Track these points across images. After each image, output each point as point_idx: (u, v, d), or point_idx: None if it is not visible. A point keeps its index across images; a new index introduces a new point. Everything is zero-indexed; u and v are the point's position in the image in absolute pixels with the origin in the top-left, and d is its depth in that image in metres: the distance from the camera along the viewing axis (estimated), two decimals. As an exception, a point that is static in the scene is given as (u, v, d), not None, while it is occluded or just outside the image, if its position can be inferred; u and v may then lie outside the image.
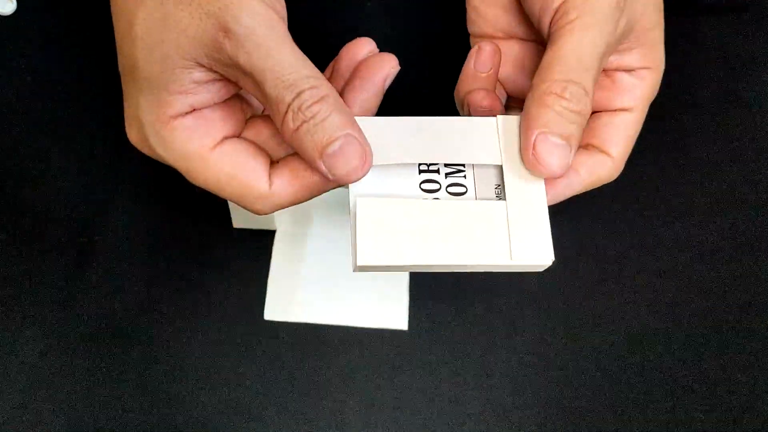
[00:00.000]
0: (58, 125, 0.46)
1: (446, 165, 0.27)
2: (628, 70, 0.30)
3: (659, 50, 0.30)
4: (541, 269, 0.27)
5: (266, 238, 0.46)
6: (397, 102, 0.49)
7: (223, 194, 0.27)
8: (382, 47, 0.51)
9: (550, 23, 0.27)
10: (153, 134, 0.26)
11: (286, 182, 0.27)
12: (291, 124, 0.25)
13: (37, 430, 0.42)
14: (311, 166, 0.25)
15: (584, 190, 0.31)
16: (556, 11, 0.27)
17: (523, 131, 0.27)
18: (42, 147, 0.46)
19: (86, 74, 0.48)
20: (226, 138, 0.27)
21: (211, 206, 0.45)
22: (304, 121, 0.24)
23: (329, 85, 0.25)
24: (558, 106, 0.26)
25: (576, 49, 0.26)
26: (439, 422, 0.43)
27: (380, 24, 0.50)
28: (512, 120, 0.27)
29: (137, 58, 0.25)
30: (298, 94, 0.24)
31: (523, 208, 0.27)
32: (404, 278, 0.45)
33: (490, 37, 0.32)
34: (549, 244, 0.27)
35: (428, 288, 0.46)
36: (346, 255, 0.46)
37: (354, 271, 0.26)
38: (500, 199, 0.27)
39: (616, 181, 0.48)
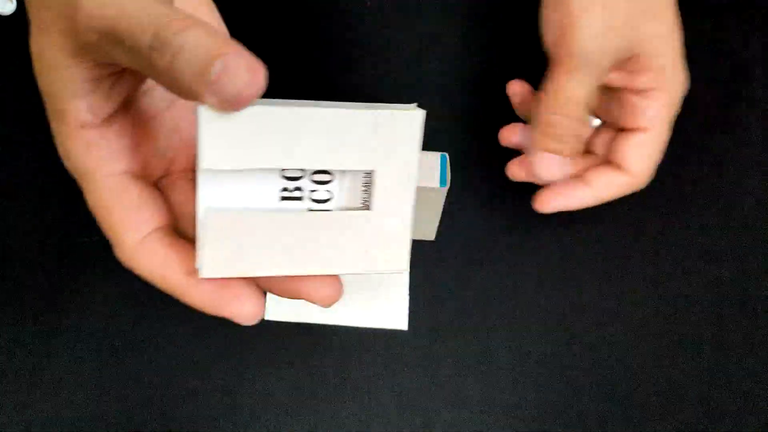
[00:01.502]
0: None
1: (311, 181, 0.25)
2: (638, 92, 0.32)
3: (670, 73, 0.32)
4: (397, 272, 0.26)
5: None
6: (396, 101, 0.49)
7: (97, 220, 0.25)
8: (382, 47, 0.51)
9: (551, 49, 0.32)
10: (62, 151, 0.26)
11: (153, 255, 0.25)
12: (160, 62, 0.21)
13: (38, 429, 0.42)
14: (196, 99, 0.21)
15: (600, 202, 0.35)
16: (553, 43, 0.32)
17: (530, 149, 0.33)
18: (42, 146, 0.46)
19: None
20: (127, 173, 0.25)
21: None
22: (174, 54, 0.21)
23: (191, 15, 0.22)
24: (551, 132, 0.32)
25: (563, 89, 0.31)
26: (439, 422, 0.43)
27: (380, 24, 0.51)
28: (387, 116, 0.24)
29: (36, 74, 0.24)
30: (157, 32, 0.21)
31: (386, 216, 0.25)
32: (404, 279, 0.45)
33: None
34: (406, 252, 0.26)
35: (428, 288, 0.46)
36: None
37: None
38: (366, 206, 0.26)
39: (616, 181, 0.49)
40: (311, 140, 0.24)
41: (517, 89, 0.39)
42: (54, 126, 0.25)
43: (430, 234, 0.45)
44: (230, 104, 0.21)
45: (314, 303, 0.26)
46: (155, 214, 0.25)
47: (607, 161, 0.35)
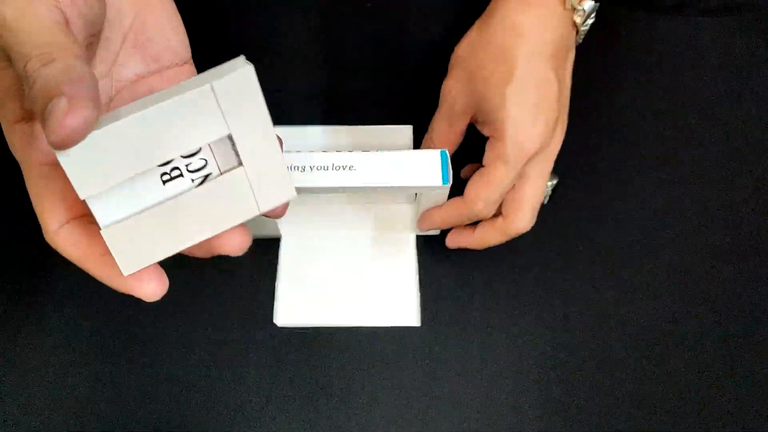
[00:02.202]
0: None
1: (182, 157, 0.27)
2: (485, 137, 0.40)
3: (505, 125, 0.38)
4: (287, 201, 0.30)
5: (272, 244, 0.46)
6: (395, 100, 0.49)
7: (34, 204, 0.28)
8: (382, 47, 0.51)
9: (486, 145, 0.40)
10: (5, 135, 0.28)
11: (72, 240, 0.28)
12: (25, 92, 0.22)
13: (38, 429, 0.42)
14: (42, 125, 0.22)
15: (484, 245, 0.43)
16: (488, 143, 0.40)
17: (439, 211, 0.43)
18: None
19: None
20: (55, 164, 0.27)
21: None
22: (29, 87, 0.22)
23: (72, 50, 0.23)
24: (469, 212, 0.40)
25: (490, 181, 0.39)
26: (440, 422, 0.43)
27: (380, 24, 0.51)
28: (227, 83, 0.26)
29: None
30: (27, 62, 0.22)
31: (259, 163, 0.28)
32: (412, 274, 0.46)
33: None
34: (288, 182, 0.29)
35: (428, 288, 0.46)
36: (353, 255, 0.46)
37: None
38: (240, 164, 0.28)
39: (616, 180, 0.49)
40: (165, 132, 0.25)
41: (468, 173, 0.46)
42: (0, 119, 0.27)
43: (435, 230, 0.46)
44: (60, 144, 0.22)
45: (230, 254, 0.30)
46: (77, 202, 0.27)
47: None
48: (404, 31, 0.51)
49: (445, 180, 0.39)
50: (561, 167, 0.49)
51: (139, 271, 0.28)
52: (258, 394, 0.43)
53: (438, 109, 0.43)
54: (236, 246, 0.30)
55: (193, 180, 0.28)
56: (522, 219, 0.41)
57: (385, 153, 0.39)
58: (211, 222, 0.28)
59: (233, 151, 0.28)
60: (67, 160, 0.24)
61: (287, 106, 0.47)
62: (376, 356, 0.44)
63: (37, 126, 0.27)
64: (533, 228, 0.46)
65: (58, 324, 0.44)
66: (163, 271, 0.29)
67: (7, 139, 0.27)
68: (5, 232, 0.45)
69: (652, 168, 0.49)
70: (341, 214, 0.47)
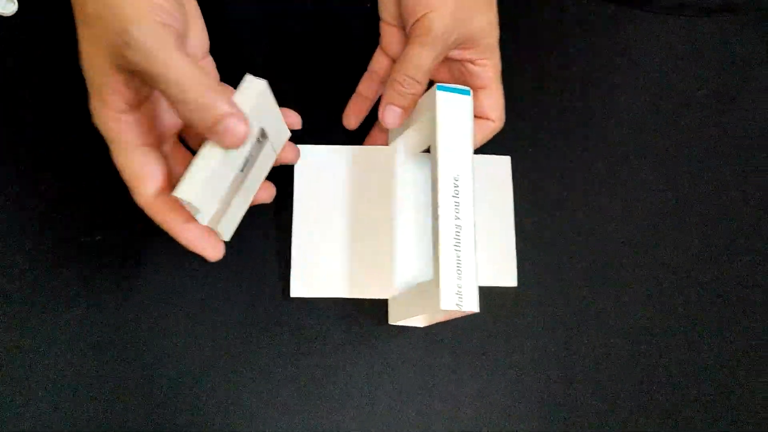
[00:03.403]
0: (59, 125, 0.47)
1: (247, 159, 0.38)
2: (472, 61, 0.43)
3: (494, 49, 0.43)
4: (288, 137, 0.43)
5: (275, 242, 0.46)
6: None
7: (122, 175, 0.36)
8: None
9: (409, 30, 0.42)
10: (101, 124, 0.35)
11: (161, 206, 0.36)
12: (191, 113, 0.33)
13: (38, 428, 0.42)
14: (206, 136, 0.34)
15: (482, 142, 0.45)
16: (411, 26, 0.42)
17: (381, 102, 0.43)
18: (43, 146, 0.46)
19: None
20: (146, 144, 0.36)
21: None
22: (194, 110, 0.33)
23: (210, 80, 0.33)
24: (399, 89, 0.42)
25: (415, 57, 0.41)
26: (438, 422, 0.43)
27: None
28: (254, 98, 0.36)
29: (84, 69, 0.34)
30: (196, 91, 0.33)
31: (274, 135, 0.40)
32: (510, 235, 0.46)
33: (388, 24, 0.45)
34: (285, 130, 0.42)
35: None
36: (362, 225, 0.46)
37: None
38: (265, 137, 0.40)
39: (616, 180, 0.49)
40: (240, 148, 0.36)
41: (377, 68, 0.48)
42: (95, 105, 0.35)
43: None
44: (225, 146, 0.34)
45: (265, 201, 0.43)
46: (162, 175, 0.36)
47: (475, 117, 0.44)
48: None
49: (466, 92, 0.41)
50: (561, 167, 0.49)
51: (212, 237, 0.38)
52: (258, 394, 0.43)
53: (423, 46, 0.42)
54: (267, 195, 0.43)
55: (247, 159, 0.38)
56: (502, 117, 0.44)
57: (440, 139, 0.39)
58: (260, 172, 0.41)
59: (265, 132, 0.39)
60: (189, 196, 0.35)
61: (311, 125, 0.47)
62: (376, 356, 0.44)
63: (136, 113, 0.36)
64: (533, 228, 0.46)
65: (58, 323, 0.44)
66: (223, 244, 0.39)
67: (103, 123, 0.35)
68: (7, 233, 0.45)
69: (651, 168, 0.49)
70: (358, 182, 0.47)
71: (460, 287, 0.37)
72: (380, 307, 0.45)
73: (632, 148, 0.50)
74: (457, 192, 0.38)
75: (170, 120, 0.39)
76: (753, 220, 0.48)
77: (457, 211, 0.38)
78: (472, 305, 0.36)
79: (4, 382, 0.43)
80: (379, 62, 0.47)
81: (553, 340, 0.45)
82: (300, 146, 0.45)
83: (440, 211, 0.38)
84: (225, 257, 0.45)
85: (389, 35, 0.46)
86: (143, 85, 0.35)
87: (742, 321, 0.46)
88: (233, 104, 0.34)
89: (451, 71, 0.45)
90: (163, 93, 0.33)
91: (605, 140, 0.50)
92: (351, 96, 0.48)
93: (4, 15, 0.48)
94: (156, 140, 0.37)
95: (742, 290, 0.47)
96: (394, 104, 0.43)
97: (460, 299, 0.36)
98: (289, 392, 0.44)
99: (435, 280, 0.37)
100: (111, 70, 0.33)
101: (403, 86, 0.42)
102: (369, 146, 0.47)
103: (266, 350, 0.44)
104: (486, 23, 0.42)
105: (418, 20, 0.41)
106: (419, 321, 0.43)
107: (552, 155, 0.49)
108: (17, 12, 0.48)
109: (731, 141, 0.50)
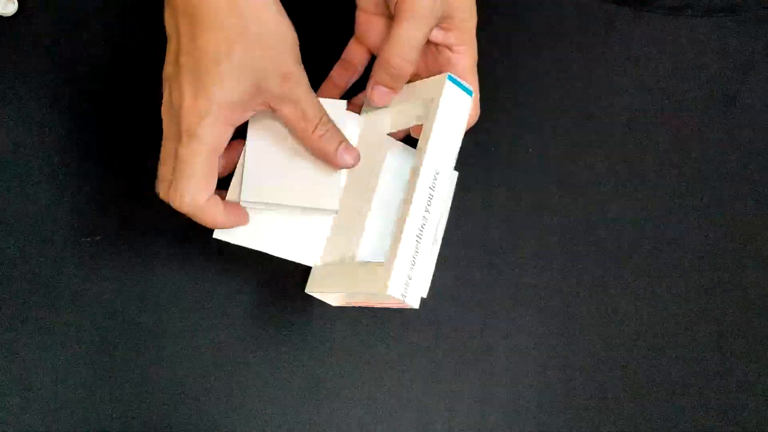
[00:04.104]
0: (59, 125, 0.47)
1: None
2: (450, 47, 0.42)
3: (472, 37, 0.43)
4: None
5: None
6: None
7: (187, 172, 0.37)
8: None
9: (394, 9, 0.41)
10: (208, 125, 0.36)
11: (222, 207, 0.39)
12: (320, 132, 0.39)
13: (39, 428, 0.42)
14: (327, 158, 0.40)
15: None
16: (396, 4, 0.40)
17: (369, 80, 0.43)
18: (43, 146, 0.46)
19: (87, 75, 0.48)
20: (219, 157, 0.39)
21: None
22: (327, 131, 0.39)
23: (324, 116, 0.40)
24: (391, 71, 0.41)
25: (405, 34, 0.40)
26: (438, 422, 0.43)
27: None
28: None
29: (227, 74, 0.36)
30: (322, 117, 0.39)
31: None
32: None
33: (365, 12, 0.45)
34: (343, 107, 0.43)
35: (428, 289, 0.46)
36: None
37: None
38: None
39: (615, 180, 0.49)
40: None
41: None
42: (214, 109, 0.36)
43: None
44: (342, 164, 0.40)
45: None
46: (214, 186, 0.39)
47: None
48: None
49: (469, 93, 0.41)
50: (561, 168, 0.49)
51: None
52: (258, 394, 0.43)
53: (410, 21, 0.41)
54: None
55: None
56: (475, 109, 0.43)
57: (433, 133, 0.39)
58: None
59: None
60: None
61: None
62: (376, 356, 0.44)
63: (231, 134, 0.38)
64: (533, 228, 0.46)
65: (58, 323, 0.44)
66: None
67: (212, 128, 0.36)
68: (7, 233, 0.45)
69: (651, 168, 0.49)
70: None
71: (410, 278, 0.36)
72: (380, 308, 0.45)
73: (632, 148, 0.50)
74: (434, 185, 0.38)
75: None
76: (753, 220, 0.48)
77: (428, 204, 0.37)
78: (413, 300, 0.36)
79: (4, 382, 0.43)
80: (353, 51, 0.47)
81: (553, 340, 0.45)
82: None
83: (414, 198, 0.37)
84: (226, 258, 0.45)
85: (366, 23, 0.45)
86: (256, 110, 0.38)
87: (742, 321, 0.46)
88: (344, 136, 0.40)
89: (426, 59, 0.45)
90: (301, 117, 0.38)
91: (605, 140, 0.50)
92: (322, 83, 0.47)
93: (4, 15, 0.48)
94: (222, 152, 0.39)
95: (742, 290, 0.47)
96: (385, 85, 0.42)
97: (406, 290, 0.36)
98: (289, 392, 0.44)
99: (387, 264, 0.36)
100: (256, 89, 0.37)
101: (394, 67, 0.41)
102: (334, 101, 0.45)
103: (266, 350, 0.44)
104: (466, 5, 0.42)
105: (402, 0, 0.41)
106: (336, 299, 0.42)
107: (552, 155, 0.49)
108: (17, 12, 0.48)
109: (731, 141, 0.50)
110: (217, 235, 0.41)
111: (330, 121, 0.40)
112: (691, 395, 0.45)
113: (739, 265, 0.47)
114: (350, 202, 0.43)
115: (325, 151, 0.40)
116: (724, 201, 0.49)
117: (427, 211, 0.37)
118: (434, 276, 0.46)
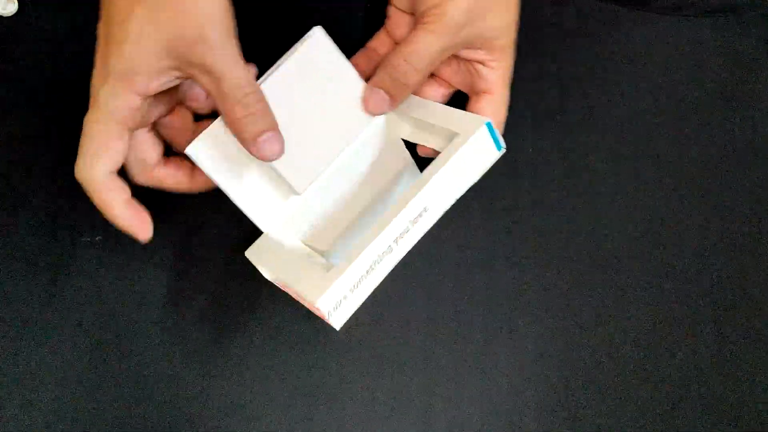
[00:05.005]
0: (59, 126, 0.47)
1: None
2: (482, 62, 0.40)
3: (506, 50, 0.41)
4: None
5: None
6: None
7: (86, 143, 0.35)
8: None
9: (418, 17, 0.39)
10: (106, 93, 0.34)
11: (167, 171, 0.39)
12: (238, 113, 0.34)
13: (39, 428, 0.42)
14: (244, 145, 0.35)
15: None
16: (422, 13, 0.38)
17: (369, 82, 0.40)
18: (43, 147, 0.46)
19: (87, 75, 0.48)
20: (130, 130, 0.36)
21: (204, 222, 0.45)
22: (249, 114, 0.34)
23: (261, 91, 0.35)
24: (393, 74, 0.39)
25: (420, 42, 0.38)
26: (438, 423, 0.43)
27: (380, 25, 0.51)
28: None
29: (127, 38, 0.33)
30: (246, 94, 0.34)
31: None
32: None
33: (397, 9, 0.42)
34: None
35: (427, 288, 0.46)
36: None
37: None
38: None
39: (615, 179, 0.49)
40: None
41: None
42: (115, 84, 0.34)
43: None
44: (260, 156, 0.36)
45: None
46: (122, 158, 0.36)
47: None
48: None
49: (499, 147, 0.37)
50: (560, 167, 0.49)
51: (141, 221, 0.37)
52: (258, 394, 0.43)
53: (431, 33, 0.39)
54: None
55: None
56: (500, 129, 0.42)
57: (442, 170, 0.35)
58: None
59: None
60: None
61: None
62: (376, 356, 0.44)
63: (146, 106, 0.36)
64: (533, 228, 0.46)
65: (58, 323, 0.44)
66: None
67: (109, 96, 0.34)
68: (7, 233, 0.45)
69: (651, 168, 0.49)
70: None
71: (345, 298, 0.34)
72: (380, 308, 0.45)
73: (632, 148, 0.50)
74: (416, 220, 0.35)
75: (153, 114, 0.38)
76: (753, 220, 0.48)
77: (401, 236, 0.35)
78: (337, 321, 0.34)
79: (4, 382, 0.43)
80: (379, 40, 0.44)
81: (553, 340, 0.45)
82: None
83: (390, 225, 0.34)
84: (226, 257, 0.45)
85: (397, 18, 0.42)
86: (174, 81, 0.35)
87: (742, 321, 0.46)
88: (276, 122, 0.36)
89: (459, 71, 0.42)
90: (217, 91, 0.34)
91: (605, 140, 0.50)
92: None
93: (4, 15, 0.48)
94: (137, 128, 0.37)
95: (742, 290, 0.47)
96: (384, 88, 0.39)
97: (335, 309, 0.34)
98: (289, 392, 0.44)
99: (330, 276, 0.34)
100: (162, 54, 0.33)
101: (397, 70, 0.38)
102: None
103: (267, 350, 0.44)
104: (502, 24, 0.40)
105: (430, 8, 0.38)
106: (269, 274, 0.39)
107: (552, 155, 0.49)
108: (17, 12, 0.48)
109: (731, 141, 0.50)
110: (188, 150, 0.37)
111: (259, 101, 0.35)
112: (691, 395, 0.45)
113: (739, 265, 0.47)
114: (352, 198, 0.41)
115: (241, 135, 0.35)
116: (724, 201, 0.49)
117: (396, 242, 0.35)
118: (434, 275, 0.46)
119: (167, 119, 0.39)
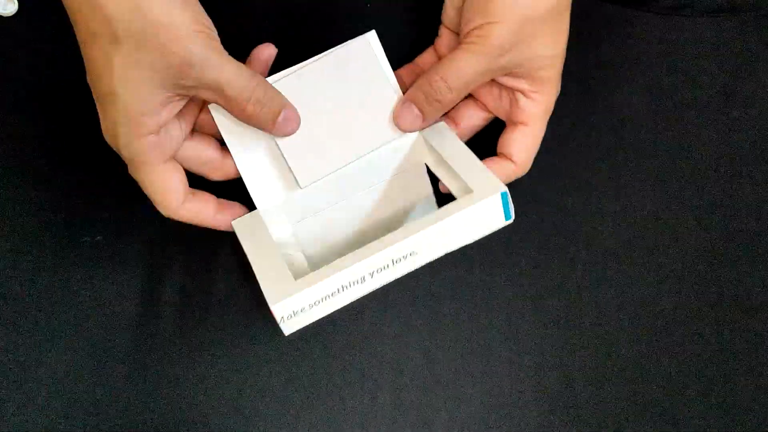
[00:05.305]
0: (59, 126, 0.47)
1: None
2: (523, 92, 0.39)
3: (549, 83, 0.39)
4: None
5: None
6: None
7: (148, 192, 0.37)
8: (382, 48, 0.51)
9: (462, 37, 0.38)
10: (125, 146, 0.35)
11: (192, 209, 0.38)
12: (252, 110, 0.35)
13: (39, 428, 0.42)
14: (266, 131, 0.37)
15: None
16: (465, 34, 0.38)
17: (405, 95, 0.40)
18: (43, 147, 0.46)
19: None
20: (170, 161, 0.37)
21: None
22: (260, 105, 0.36)
23: (262, 78, 0.36)
24: (427, 90, 0.38)
25: (458, 61, 0.37)
26: (439, 422, 0.43)
27: (380, 26, 0.51)
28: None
29: (116, 89, 0.34)
30: (251, 90, 0.35)
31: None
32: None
33: (446, 28, 0.42)
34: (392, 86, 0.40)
35: (427, 288, 0.46)
36: None
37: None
38: None
39: (615, 179, 0.49)
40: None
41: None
42: (124, 131, 0.35)
43: None
44: (283, 133, 0.38)
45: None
46: (183, 186, 0.38)
47: (498, 153, 0.42)
48: (404, 32, 0.51)
49: (507, 217, 0.37)
50: (560, 168, 0.49)
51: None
52: (258, 394, 0.43)
53: (472, 54, 0.38)
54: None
55: None
56: (529, 163, 0.41)
57: (441, 222, 0.35)
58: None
59: None
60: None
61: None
62: (376, 355, 0.44)
63: (164, 137, 0.36)
64: (533, 228, 0.46)
65: (58, 323, 0.44)
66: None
67: (130, 147, 0.35)
68: (7, 233, 0.45)
69: (650, 168, 0.49)
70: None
71: (302, 310, 0.33)
72: (380, 308, 0.45)
73: (632, 148, 0.50)
74: (398, 261, 0.35)
75: (177, 132, 0.38)
76: (753, 220, 0.48)
77: (379, 272, 0.34)
78: (288, 328, 0.34)
79: (4, 382, 0.43)
80: (426, 57, 0.44)
81: (553, 340, 0.45)
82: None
83: (372, 257, 0.34)
84: (226, 257, 0.45)
85: (445, 37, 0.42)
86: (182, 101, 0.36)
87: (742, 321, 0.46)
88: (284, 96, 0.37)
89: (499, 97, 0.41)
90: (223, 100, 0.35)
91: (605, 140, 0.50)
92: None
93: (4, 15, 0.48)
94: (172, 154, 0.38)
95: (741, 290, 0.47)
96: (416, 103, 0.39)
97: (290, 318, 0.33)
98: (289, 392, 0.44)
99: (297, 285, 0.33)
100: (157, 90, 0.34)
101: (432, 87, 0.38)
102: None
103: (267, 350, 0.44)
104: (547, 54, 0.38)
105: (474, 29, 0.37)
106: (246, 250, 0.38)
107: (552, 155, 0.49)
108: (17, 12, 0.48)
109: (731, 141, 0.50)
110: (210, 106, 0.38)
111: (265, 90, 0.36)
112: (691, 395, 0.45)
113: (739, 265, 0.47)
114: (356, 209, 0.41)
115: (260, 125, 0.37)
116: (724, 201, 0.49)
117: (371, 275, 0.34)
118: (434, 275, 0.46)
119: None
